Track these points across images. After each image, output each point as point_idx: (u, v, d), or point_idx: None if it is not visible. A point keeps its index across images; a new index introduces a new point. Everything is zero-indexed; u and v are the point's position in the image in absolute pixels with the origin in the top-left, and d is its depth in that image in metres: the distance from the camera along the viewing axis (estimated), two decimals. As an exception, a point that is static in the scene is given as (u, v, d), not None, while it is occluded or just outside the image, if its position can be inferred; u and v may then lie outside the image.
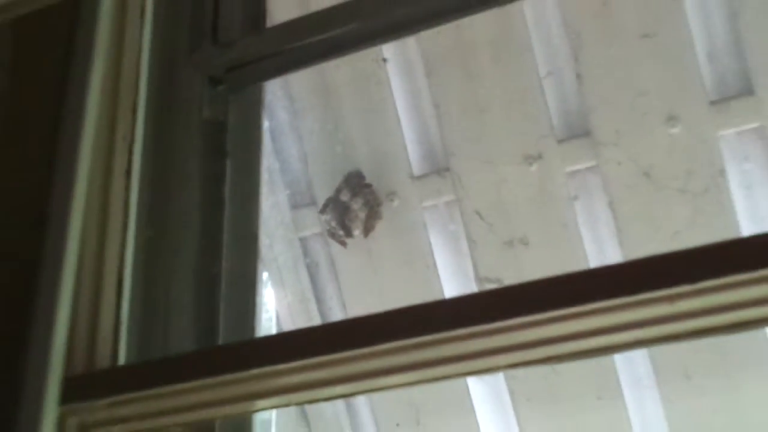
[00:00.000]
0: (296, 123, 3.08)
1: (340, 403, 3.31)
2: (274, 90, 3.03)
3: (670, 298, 0.98)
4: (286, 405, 1.27)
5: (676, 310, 0.99)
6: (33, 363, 1.21)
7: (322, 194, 3.08)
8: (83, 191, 1.29)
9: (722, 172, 2.62)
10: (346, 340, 1.17)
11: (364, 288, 3.13)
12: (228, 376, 1.23)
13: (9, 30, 1.62)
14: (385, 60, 2.89)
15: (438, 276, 3.02)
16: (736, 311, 0.98)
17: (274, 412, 3.22)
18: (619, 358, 2.84)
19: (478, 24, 2.73)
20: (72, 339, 1.33)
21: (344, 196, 2.99)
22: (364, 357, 1.16)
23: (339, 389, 1.22)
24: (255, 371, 1.23)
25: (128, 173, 1.52)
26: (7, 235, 1.51)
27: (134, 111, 1.57)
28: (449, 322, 1.08)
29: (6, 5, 1.47)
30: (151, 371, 1.31)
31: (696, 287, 0.96)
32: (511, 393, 2.99)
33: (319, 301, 3.26)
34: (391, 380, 1.18)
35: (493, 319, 1.06)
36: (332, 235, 3.07)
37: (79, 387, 1.29)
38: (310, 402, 1.26)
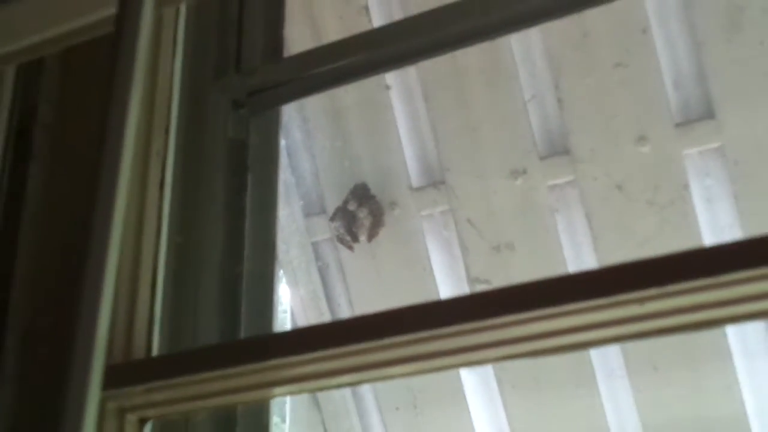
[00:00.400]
0: (309, 142, 3.09)
1: (346, 390, 3.31)
2: (291, 112, 3.04)
3: (640, 300, 0.98)
4: (300, 392, 1.28)
5: (645, 311, 0.99)
6: (79, 353, 1.21)
7: (332, 204, 3.08)
8: (123, 201, 1.29)
9: (686, 187, 2.62)
10: (353, 335, 1.17)
11: (368, 287, 3.14)
12: (248, 366, 1.23)
13: (57, 61, 1.63)
14: (388, 87, 2.89)
15: (434, 277, 3.03)
16: (698, 312, 0.98)
17: (288, 397, 3.23)
18: (594, 352, 2.84)
19: (470, 55, 2.74)
20: (112, 332, 1.33)
21: (351, 206, 2.99)
22: (368, 350, 1.16)
23: (346, 378, 1.21)
24: (272, 362, 1.22)
25: (162, 185, 1.52)
26: (57, 240, 1.51)
27: (167, 130, 1.56)
28: (445, 320, 1.08)
29: (55, 38, 1.47)
30: (181, 361, 1.31)
31: (663, 290, 0.96)
32: (499, 381, 2.99)
33: (329, 298, 3.27)
34: (393, 371, 1.18)
35: (483, 317, 1.06)
36: (341, 240, 3.07)
37: (118, 375, 1.29)
38: (321, 390, 1.27)
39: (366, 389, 3.30)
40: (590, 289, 0.99)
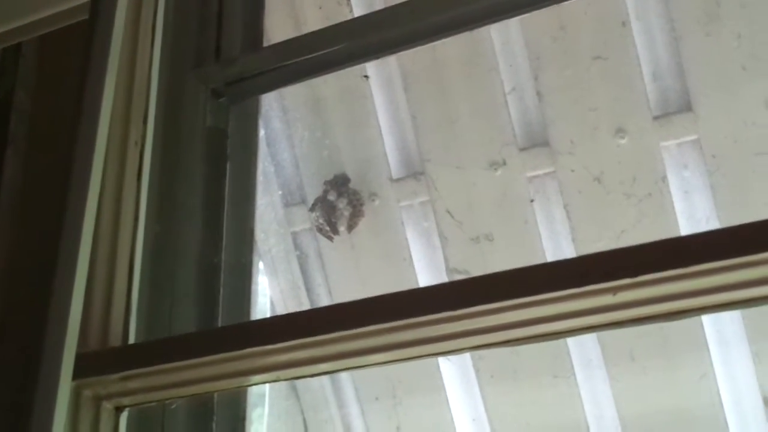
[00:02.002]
0: (289, 132, 3.09)
1: (325, 379, 3.31)
2: (270, 102, 3.03)
3: (613, 290, 0.99)
4: (278, 380, 1.28)
5: (618, 300, 1.00)
6: (50, 340, 1.21)
7: (312, 194, 3.08)
8: (96, 188, 1.28)
9: (664, 179, 2.63)
10: (331, 323, 1.18)
11: (348, 278, 3.14)
12: (225, 354, 1.23)
13: (34, 48, 1.62)
14: (366, 77, 2.89)
15: (413, 267, 3.03)
16: (671, 302, 0.99)
17: (267, 386, 3.23)
18: (571, 342, 2.85)
19: (450, 46, 2.74)
20: (87, 320, 1.33)
21: (331, 196, 2.99)
22: (346, 338, 1.17)
23: (324, 366, 1.22)
24: (250, 350, 1.23)
25: (139, 175, 1.52)
26: (34, 227, 1.51)
27: (145, 120, 1.56)
28: (422, 309, 1.09)
29: (32, 24, 1.47)
30: (157, 349, 1.32)
31: (636, 280, 0.97)
32: (477, 371, 3.00)
33: (309, 288, 3.26)
34: (371, 359, 1.18)
35: (460, 306, 1.06)
36: (320, 230, 3.07)
37: (94, 362, 1.29)
38: (300, 378, 1.26)
39: (345, 380, 3.30)
40: (564, 279, 1.00)
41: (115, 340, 1.37)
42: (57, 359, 1.20)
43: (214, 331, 1.49)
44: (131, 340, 1.40)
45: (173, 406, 1.43)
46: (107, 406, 1.34)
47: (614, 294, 0.98)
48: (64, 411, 1.21)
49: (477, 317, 1.06)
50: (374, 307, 1.15)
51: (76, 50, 1.64)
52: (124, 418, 1.36)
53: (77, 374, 1.29)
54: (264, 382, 1.29)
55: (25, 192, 1.55)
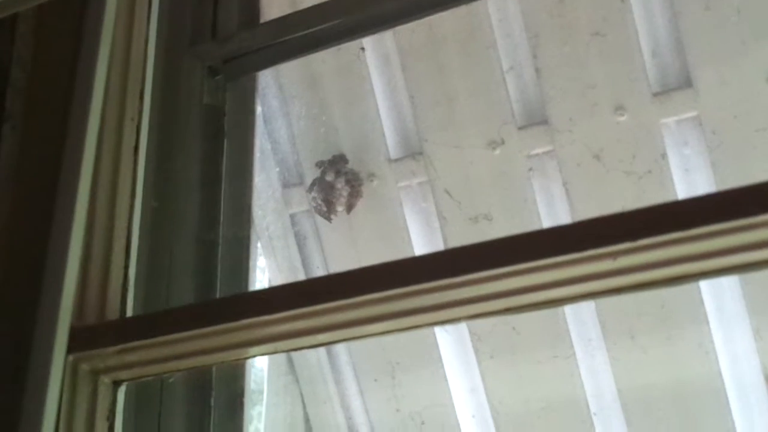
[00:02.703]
0: (286, 110, 3.08)
1: (325, 361, 3.31)
2: (267, 81, 3.02)
3: (613, 255, 0.98)
4: (275, 352, 1.27)
5: (618, 266, 0.99)
6: (44, 314, 1.20)
7: (310, 175, 3.07)
8: (90, 163, 1.28)
9: (664, 156, 2.63)
10: (329, 293, 1.17)
11: (346, 258, 3.13)
12: (223, 326, 1.23)
13: (29, 21, 1.62)
14: (363, 49, 2.88)
15: (412, 248, 3.02)
16: (672, 266, 0.99)
17: (266, 366, 3.23)
18: (571, 321, 2.85)
19: (447, 23, 2.73)
20: (84, 294, 1.33)
21: (329, 177, 2.99)
22: (345, 307, 1.16)
23: (322, 337, 1.21)
24: (247, 321, 1.22)
25: (136, 150, 1.51)
26: (31, 202, 1.50)
27: (141, 96, 1.56)
28: (420, 276, 1.08)
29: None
30: (155, 322, 1.31)
31: (636, 244, 0.97)
32: (476, 351, 3.00)
33: (307, 270, 3.26)
34: (370, 329, 1.18)
35: (457, 273, 1.06)
36: (318, 211, 3.06)
37: (91, 336, 1.29)
38: (297, 349, 1.26)
39: (343, 360, 3.30)
40: (563, 244, 0.99)
41: (112, 314, 1.37)
42: (51, 332, 1.19)
43: (211, 303, 1.49)
44: (129, 314, 1.40)
45: (171, 380, 1.43)
46: (105, 380, 1.33)
47: (614, 259, 0.98)
48: (58, 385, 1.20)
49: (476, 284, 1.05)
50: (373, 276, 1.14)
51: (71, 26, 1.63)
52: (121, 392, 1.36)
53: (74, 348, 1.28)
54: (262, 354, 1.29)
55: (23, 168, 1.55)
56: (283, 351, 1.26)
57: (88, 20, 1.36)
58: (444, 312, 1.09)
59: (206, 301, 1.55)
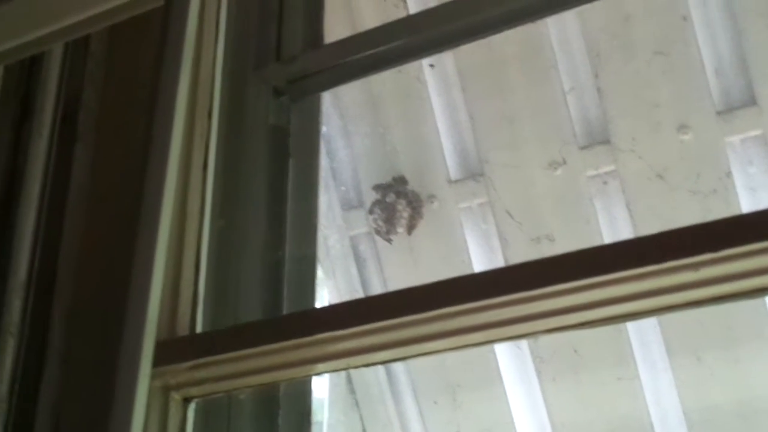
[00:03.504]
0: (347, 133, 3.08)
1: (384, 383, 3.29)
2: (326, 102, 3.03)
3: (695, 266, 0.95)
4: (343, 369, 1.26)
5: (700, 277, 0.96)
6: (129, 330, 1.19)
7: (370, 197, 3.07)
8: (173, 181, 1.27)
9: (729, 175, 2.58)
10: (398, 308, 1.16)
11: (406, 280, 3.11)
12: (293, 341, 1.21)
13: (102, 42, 1.63)
14: (432, 65, 2.88)
15: (472, 269, 3.00)
16: (754, 277, 0.95)
17: (327, 389, 3.22)
18: (635, 342, 2.81)
19: (508, 43, 2.72)
20: (159, 310, 1.33)
21: (390, 198, 2.98)
22: (414, 323, 1.14)
23: (388, 354, 1.19)
24: (315, 337, 1.21)
25: (205, 168, 1.51)
26: (102, 220, 1.51)
27: (210, 114, 1.56)
28: (496, 290, 1.06)
29: (103, 13, 1.47)
30: (226, 337, 1.30)
31: (718, 255, 0.94)
32: (538, 373, 2.96)
33: (366, 291, 3.25)
34: (435, 345, 1.16)
35: (531, 288, 1.03)
36: (379, 232, 3.06)
37: (164, 352, 1.28)
38: (364, 365, 1.24)
39: (404, 383, 3.28)
40: (643, 256, 0.97)
41: (182, 331, 1.37)
42: (137, 349, 1.18)
43: (281, 318, 1.48)
44: (198, 330, 1.39)
45: (242, 396, 1.41)
46: (176, 396, 1.32)
47: (696, 270, 0.95)
48: (144, 401, 1.19)
49: (552, 298, 1.03)
50: (444, 291, 1.12)
51: (142, 44, 1.64)
52: (191, 409, 1.35)
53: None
54: (331, 370, 1.27)
55: (94, 186, 1.56)
56: (352, 367, 1.24)
57: (169, 42, 1.35)
58: (521, 326, 1.06)
59: (276, 317, 1.53)
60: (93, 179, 1.56)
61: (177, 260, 1.41)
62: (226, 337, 1.30)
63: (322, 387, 3.23)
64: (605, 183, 2.77)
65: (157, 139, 1.28)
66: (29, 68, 1.73)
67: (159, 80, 1.30)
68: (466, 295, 1.09)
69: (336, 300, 3.28)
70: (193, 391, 1.32)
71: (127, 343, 1.17)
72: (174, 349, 1.30)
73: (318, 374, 1.32)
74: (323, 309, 1.42)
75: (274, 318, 1.53)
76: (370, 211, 3.03)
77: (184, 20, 1.32)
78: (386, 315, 1.16)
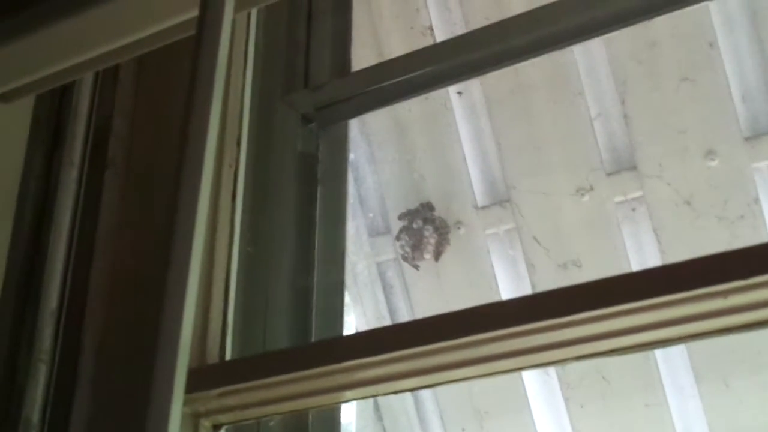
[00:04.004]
0: (374, 160, 3.09)
1: (412, 410, 3.28)
2: (353, 129, 3.04)
3: (724, 293, 0.95)
4: (372, 396, 1.26)
5: (729, 304, 0.96)
6: (163, 357, 1.19)
7: (397, 224, 3.07)
8: (205, 209, 1.28)
9: (756, 201, 2.56)
10: (426, 336, 1.15)
11: (433, 306, 3.11)
12: (322, 368, 1.21)
13: (131, 71, 1.65)
14: (460, 93, 2.89)
15: (500, 296, 2.99)
16: (786, 305, 0.95)
17: (354, 416, 3.21)
18: (663, 368, 2.78)
19: (534, 70, 2.72)
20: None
21: (416, 225, 2.98)
22: (441, 350, 1.14)
23: (417, 381, 1.19)
24: (344, 364, 1.21)
25: (234, 196, 1.52)
26: (132, 247, 1.52)
27: (239, 142, 1.57)
28: (524, 317, 1.06)
29: (134, 43, 1.49)
30: (255, 364, 1.30)
31: (748, 282, 0.93)
32: (566, 400, 2.94)
33: (393, 318, 3.25)
34: (464, 372, 1.15)
35: (563, 314, 1.03)
36: (406, 258, 3.06)
37: (194, 380, 1.28)
38: (393, 393, 1.24)
39: (431, 410, 3.26)
40: (673, 283, 0.96)
41: (212, 358, 1.37)
42: (171, 377, 1.18)
43: (310, 346, 1.49)
44: (227, 357, 1.39)
45: (271, 423, 1.41)
46: (205, 423, 1.32)
47: (725, 297, 0.94)
48: (177, 429, 1.19)
49: (583, 324, 1.02)
50: (474, 318, 1.12)
51: (170, 76, 1.66)
52: (220, 437, 1.35)
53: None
54: (360, 398, 1.27)
55: (124, 213, 1.57)
56: (381, 394, 1.24)
57: (201, 71, 1.36)
58: (555, 352, 1.05)
59: (305, 344, 1.54)
60: (123, 206, 1.57)
61: (207, 288, 1.42)
62: (256, 365, 1.30)
63: (349, 414, 3.22)
64: (633, 210, 2.76)
65: (190, 166, 1.28)
66: (60, 97, 1.75)
67: (191, 109, 1.31)
68: (496, 322, 1.09)
69: (363, 326, 3.28)
70: (223, 418, 1.33)
71: (160, 370, 1.17)
72: (204, 376, 1.30)
73: (347, 401, 1.32)
74: (352, 336, 1.42)
75: (304, 345, 1.53)
76: (397, 238, 3.03)
77: (216, 49, 1.32)
78: (416, 342, 1.16)
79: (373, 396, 1.24)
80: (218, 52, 1.32)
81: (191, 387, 1.28)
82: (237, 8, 1.42)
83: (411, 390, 1.23)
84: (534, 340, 1.07)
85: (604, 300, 1.00)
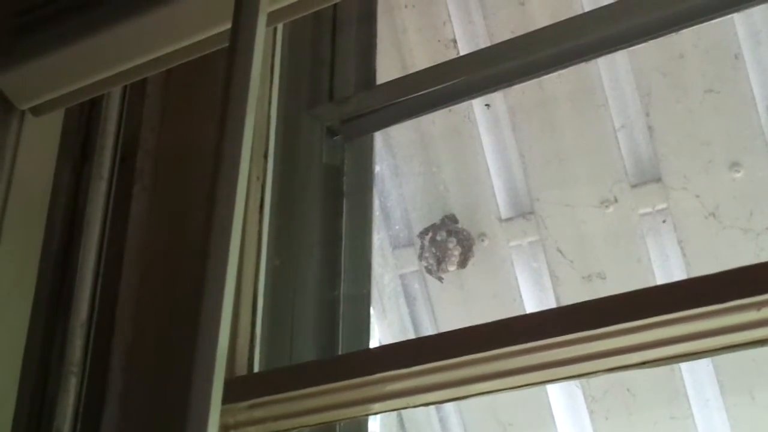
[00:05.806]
0: (396, 170, 3.09)
1: (436, 424, 3.27)
2: (377, 141, 3.05)
3: (757, 305, 0.94)
4: (401, 408, 1.25)
5: (762, 317, 0.95)
6: (200, 370, 1.19)
7: (421, 235, 3.07)
8: (240, 222, 1.27)
9: (782, 212, 2.55)
10: (455, 348, 1.15)
11: (457, 319, 3.10)
12: (351, 381, 1.21)
13: (159, 85, 1.66)
14: (487, 105, 2.89)
15: (524, 308, 2.98)
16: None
17: (378, 431, 3.20)
18: (688, 380, 2.76)
19: (558, 82, 2.72)
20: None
21: (440, 237, 2.98)
22: (470, 363, 1.14)
23: (445, 393, 1.19)
24: (373, 377, 1.21)
25: (261, 209, 1.52)
26: (161, 261, 1.53)
27: (266, 156, 1.57)
28: (552, 330, 1.06)
29: (163, 57, 1.50)
30: (284, 377, 1.31)
31: (782, 295, 0.93)
32: (591, 412, 2.92)
33: (417, 330, 3.24)
34: (492, 385, 1.15)
35: (592, 327, 1.03)
36: (429, 271, 3.05)
37: (224, 392, 1.29)
38: (421, 405, 1.23)
39: (455, 424, 3.25)
40: (705, 295, 0.96)
41: (241, 370, 1.37)
42: (207, 389, 1.17)
43: (340, 358, 1.49)
44: (256, 369, 1.40)
45: (300, 436, 1.41)
46: (234, 436, 1.33)
47: (758, 309, 0.94)
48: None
49: (612, 337, 1.02)
50: (502, 330, 1.12)
51: (198, 89, 1.67)
52: (248, 450, 1.35)
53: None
54: (388, 410, 1.27)
55: (152, 227, 1.58)
56: (410, 407, 1.24)
57: (235, 85, 1.35)
58: (583, 365, 1.05)
59: (334, 356, 1.54)
60: (151, 219, 1.58)
61: (235, 300, 1.42)
62: (286, 377, 1.30)
63: (373, 426, 3.21)
64: (662, 222, 2.75)
65: (224, 180, 1.28)
66: (89, 111, 1.76)
67: (225, 124, 1.31)
68: (526, 335, 1.09)
69: (387, 338, 3.27)
70: (252, 430, 1.33)
71: (197, 382, 1.16)
72: (233, 388, 1.31)
73: (375, 414, 1.32)
74: (381, 348, 1.42)
75: (334, 357, 1.53)
76: (421, 249, 3.03)
77: (249, 64, 1.33)
78: (445, 355, 1.16)
79: (403, 408, 1.23)
80: (252, 67, 1.32)
81: (222, 399, 1.29)
82: (269, 22, 1.42)
83: (440, 402, 1.23)
84: (564, 352, 1.07)
85: (636, 312, 1.00)
